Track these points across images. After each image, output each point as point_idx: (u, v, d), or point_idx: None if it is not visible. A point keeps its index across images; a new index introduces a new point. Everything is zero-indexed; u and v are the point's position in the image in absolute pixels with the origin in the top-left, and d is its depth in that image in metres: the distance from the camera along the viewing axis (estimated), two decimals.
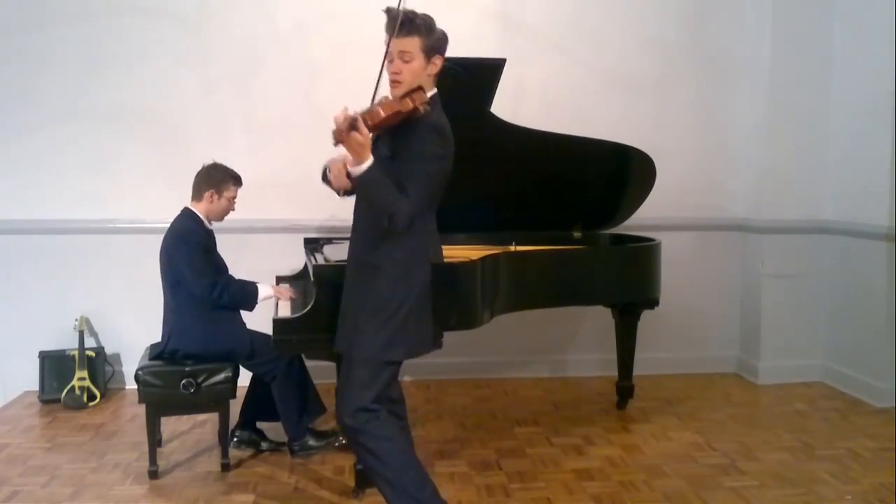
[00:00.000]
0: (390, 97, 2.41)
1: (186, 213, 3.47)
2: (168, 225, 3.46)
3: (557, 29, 4.63)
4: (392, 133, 2.46)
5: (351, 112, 2.28)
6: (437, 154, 2.44)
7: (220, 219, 3.54)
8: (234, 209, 3.55)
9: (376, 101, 2.39)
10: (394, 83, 2.42)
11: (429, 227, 2.61)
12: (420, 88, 2.44)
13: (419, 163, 2.41)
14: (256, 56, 4.48)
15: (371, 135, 2.31)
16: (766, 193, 4.68)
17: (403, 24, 2.37)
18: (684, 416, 4.11)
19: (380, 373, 2.54)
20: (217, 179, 3.45)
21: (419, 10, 2.50)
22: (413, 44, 2.38)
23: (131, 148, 4.45)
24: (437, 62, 2.46)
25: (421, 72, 2.43)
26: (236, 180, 3.51)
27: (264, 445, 3.60)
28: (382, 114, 2.33)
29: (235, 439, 3.55)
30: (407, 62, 2.40)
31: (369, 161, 2.31)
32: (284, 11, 4.47)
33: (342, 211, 4.49)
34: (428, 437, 3.79)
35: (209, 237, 3.49)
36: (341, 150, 2.39)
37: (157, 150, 4.46)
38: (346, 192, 2.60)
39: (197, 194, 3.47)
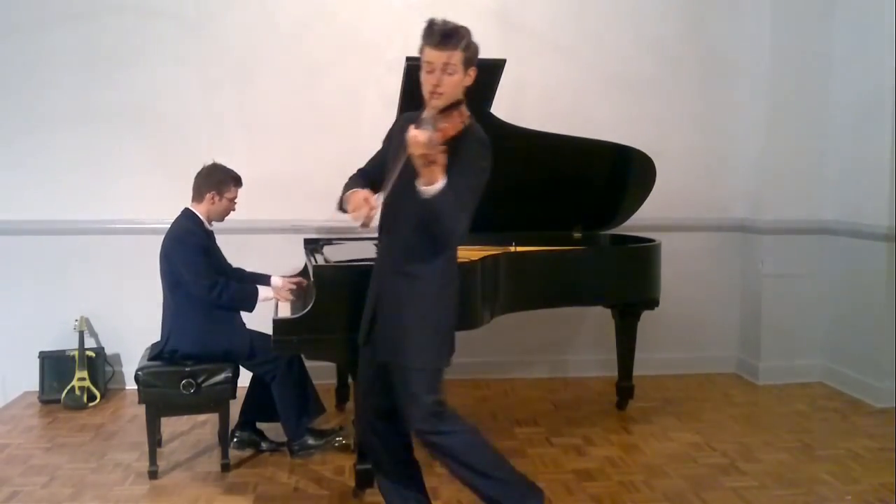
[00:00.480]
0: (431, 111, 2.36)
1: (186, 214, 3.47)
2: (168, 225, 3.46)
3: (557, 29, 4.63)
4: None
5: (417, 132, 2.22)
6: (485, 167, 2.46)
7: (221, 219, 3.54)
8: (234, 210, 3.56)
9: (424, 117, 2.32)
10: (434, 95, 2.38)
11: None
12: (461, 102, 2.44)
13: (470, 177, 2.41)
14: (256, 56, 4.48)
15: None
16: (766, 193, 4.68)
17: (449, 36, 2.35)
18: (684, 416, 4.11)
19: (436, 377, 2.57)
20: (218, 180, 3.46)
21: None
22: (456, 56, 2.36)
23: (131, 148, 4.45)
24: (472, 74, 2.45)
25: (460, 84, 2.42)
26: (237, 181, 3.51)
27: (264, 445, 3.60)
28: (452, 132, 2.32)
29: (235, 439, 3.55)
30: (449, 75, 2.37)
31: (443, 180, 2.29)
32: (284, 11, 4.47)
33: (335, 210, 4.52)
34: None
35: (209, 238, 3.49)
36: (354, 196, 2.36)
37: (157, 151, 4.46)
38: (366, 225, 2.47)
39: (198, 195, 3.47)
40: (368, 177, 2.65)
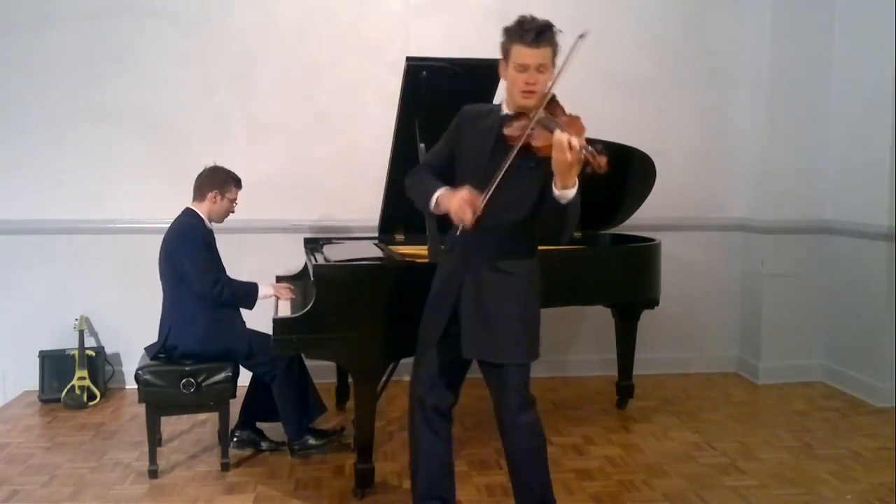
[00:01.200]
0: (532, 111, 2.36)
1: (188, 213, 3.48)
2: (168, 225, 3.47)
3: (557, 29, 4.62)
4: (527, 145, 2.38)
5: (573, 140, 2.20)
6: None
7: (221, 220, 3.55)
8: (234, 211, 3.57)
9: (563, 118, 2.35)
10: (528, 94, 2.38)
11: None
12: (555, 97, 2.43)
13: None
14: (256, 56, 4.48)
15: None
16: (766, 193, 4.69)
17: (543, 33, 2.37)
18: (684, 415, 4.11)
19: (528, 370, 2.60)
20: (220, 181, 3.47)
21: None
22: (549, 55, 2.38)
23: (131, 148, 4.45)
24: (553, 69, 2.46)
25: (548, 81, 2.43)
26: (238, 183, 3.54)
27: (264, 445, 3.60)
28: (585, 131, 2.30)
29: (235, 439, 3.55)
30: (542, 73, 2.38)
31: (576, 184, 2.28)
32: (284, 11, 4.47)
33: (342, 211, 4.53)
34: None
35: (210, 235, 3.50)
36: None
37: (158, 151, 4.46)
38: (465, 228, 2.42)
39: (199, 195, 3.48)
40: (437, 172, 2.59)
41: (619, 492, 3.19)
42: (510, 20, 2.52)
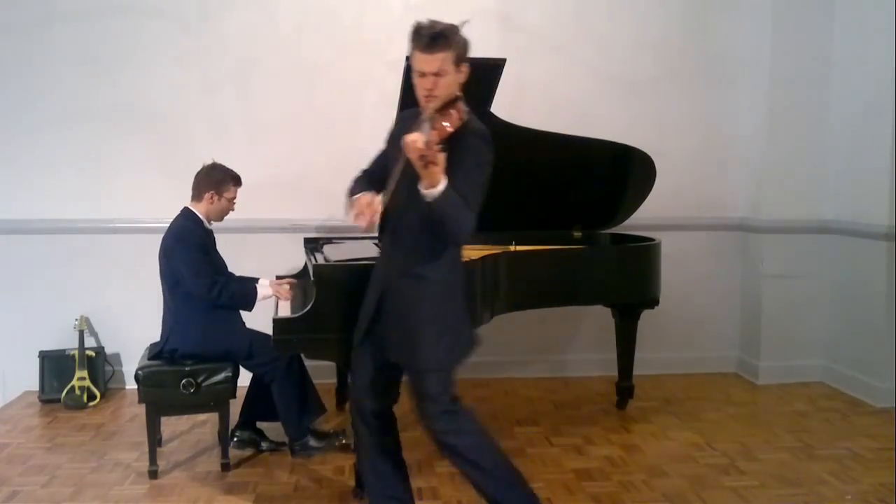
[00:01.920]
0: (429, 112, 2.35)
1: (186, 214, 3.47)
2: (167, 225, 3.46)
3: (558, 29, 4.63)
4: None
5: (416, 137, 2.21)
6: (488, 160, 2.43)
7: (220, 219, 3.54)
8: (233, 210, 3.56)
9: (424, 118, 2.33)
10: (429, 98, 2.37)
11: None
12: (459, 99, 2.41)
13: (474, 174, 2.38)
14: (256, 56, 4.48)
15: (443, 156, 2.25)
16: (766, 193, 4.68)
17: (437, 38, 2.33)
18: (684, 416, 4.11)
19: (448, 377, 2.57)
20: (217, 180, 3.46)
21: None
22: (446, 58, 2.33)
23: (131, 148, 4.45)
24: (464, 69, 2.43)
25: (454, 83, 2.40)
26: (236, 181, 3.51)
27: (264, 445, 3.60)
28: (450, 129, 2.28)
29: (235, 439, 3.55)
30: (441, 77, 2.35)
31: (444, 181, 2.27)
32: (284, 11, 4.47)
33: (342, 211, 4.51)
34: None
35: (208, 237, 3.49)
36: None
37: (157, 150, 4.46)
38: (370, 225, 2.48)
39: (197, 195, 3.47)
40: (373, 177, 2.63)
41: (619, 492, 3.19)
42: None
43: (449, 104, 2.39)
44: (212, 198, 3.45)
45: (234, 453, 3.50)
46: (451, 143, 2.32)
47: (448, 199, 2.29)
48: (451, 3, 4.37)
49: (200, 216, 3.46)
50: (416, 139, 2.19)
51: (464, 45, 2.40)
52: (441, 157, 2.22)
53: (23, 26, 4.34)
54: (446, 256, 2.52)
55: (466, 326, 2.65)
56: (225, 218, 3.58)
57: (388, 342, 2.58)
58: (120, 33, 4.39)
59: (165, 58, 4.43)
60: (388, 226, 2.60)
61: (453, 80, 2.39)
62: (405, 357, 2.56)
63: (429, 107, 2.36)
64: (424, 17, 2.46)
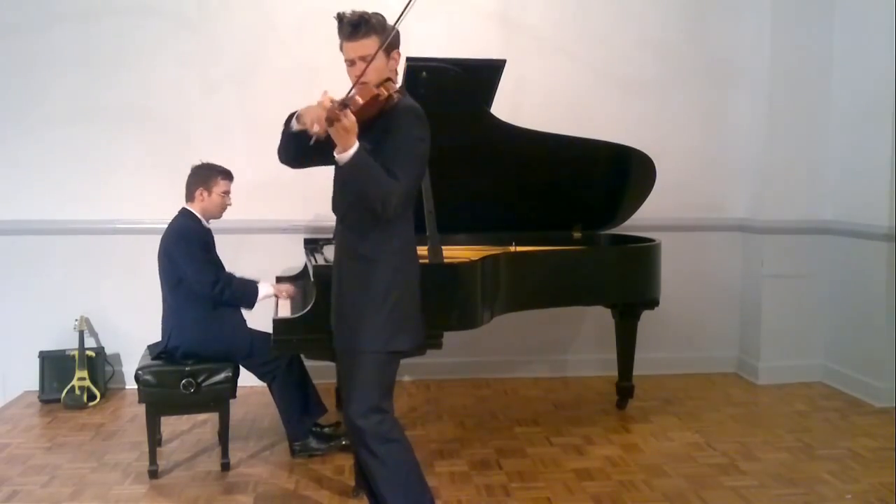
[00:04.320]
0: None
1: (184, 213, 3.48)
2: (167, 225, 3.47)
3: (558, 29, 4.63)
4: (369, 126, 2.42)
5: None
6: (419, 136, 2.43)
7: (218, 215, 3.53)
8: (230, 203, 3.54)
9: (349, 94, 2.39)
10: (361, 85, 2.40)
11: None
12: (389, 79, 2.46)
13: (404, 145, 2.40)
14: (256, 56, 4.48)
15: (355, 119, 2.28)
16: (766, 193, 4.68)
17: (358, 27, 2.39)
18: (684, 416, 4.11)
19: (387, 367, 2.50)
20: (204, 176, 3.46)
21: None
22: (371, 44, 2.39)
23: (131, 148, 4.45)
24: (396, 57, 2.49)
25: (384, 68, 2.44)
26: (224, 174, 3.50)
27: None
28: (361, 101, 2.33)
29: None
30: (367, 63, 2.38)
31: (356, 145, 2.30)
32: (284, 11, 4.47)
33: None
34: (428, 437, 3.79)
35: (208, 235, 3.49)
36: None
37: (158, 150, 4.46)
38: (318, 141, 2.40)
39: (189, 195, 3.48)
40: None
41: (619, 492, 3.19)
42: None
43: (380, 84, 2.42)
44: (202, 194, 3.45)
45: (234, 453, 3.49)
46: (380, 121, 2.39)
47: (359, 164, 2.31)
48: (451, 3, 4.40)
49: (198, 215, 3.47)
50: (324, 99, 2.26)
51: (391, 33, 2.44)
52: (348, 119, 2.24)
53: (23, 26, 4.34)
54: (395, 237, 2.49)
55: (419, 319, 2.56)
56: (225, 218, 3.58)
57: (337, 329, 2.56)
58: (120, 33, 4.39)
59: (165, 58, 4.43)
60: (338, 212, 2.60)
61: (382, 66, 2.43)
62: (343, 338, 2.50)
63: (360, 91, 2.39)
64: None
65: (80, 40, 4.37)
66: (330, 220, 4.45)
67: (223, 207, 3.53)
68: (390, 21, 2.44)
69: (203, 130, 4.45)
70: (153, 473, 3.31)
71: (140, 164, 4.45)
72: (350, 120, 2.25)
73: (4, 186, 4.42)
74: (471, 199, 3.77)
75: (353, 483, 3.17)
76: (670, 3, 4.70)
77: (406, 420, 4.02)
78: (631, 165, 4.02)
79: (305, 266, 3.87)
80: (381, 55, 2.40)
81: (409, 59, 3.22)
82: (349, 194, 2.47)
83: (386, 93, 2.38)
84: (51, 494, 3.17)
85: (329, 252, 3.73)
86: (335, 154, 2.32)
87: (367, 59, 2.36)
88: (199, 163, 3.52)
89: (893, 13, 4.12)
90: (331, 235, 4.21)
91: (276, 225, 4.50)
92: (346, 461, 3.40)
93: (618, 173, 4.10)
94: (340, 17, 2.43)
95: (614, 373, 4.23)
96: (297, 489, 3.22)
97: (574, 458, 3.53)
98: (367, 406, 2.45)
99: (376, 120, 2.42)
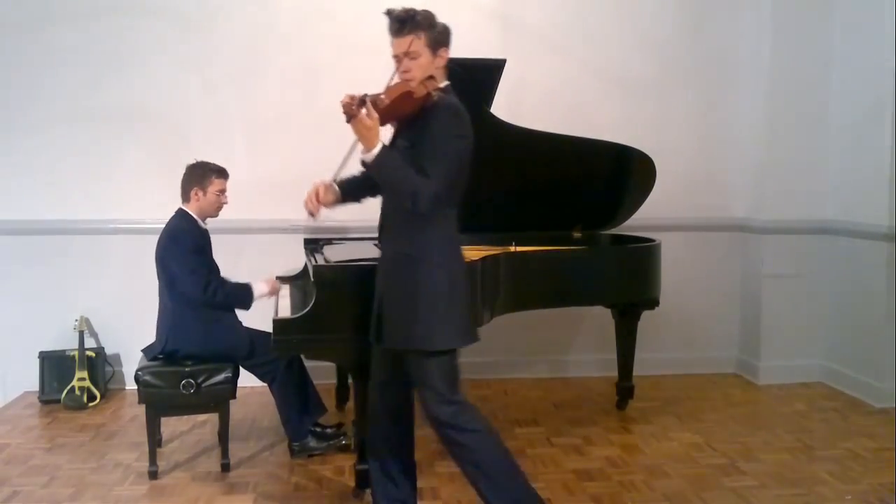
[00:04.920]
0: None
1: (180, 214, 3.46)
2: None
3: (558, 29, 4.63)
4: (409, 124, 2.48)
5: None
6: (455, 133, 2.44)
7: (215, 214, 3.52)
8: (226, 202, 3.52)
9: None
10: (405, 82, 2.44)
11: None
12: (431, 77, 2.46)
13: (438, 143, 2.40)
14: (256, 56, 4.48)
15: (378, 117, 2.32)
16: (766, 193, 4.68)
17: (405, 23, 2.41)
18: (684, 416, 4.11)
19: (450, 361, 2.54)
20: (198, 176, 3.45)
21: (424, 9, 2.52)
22: (417, 41, 2.41)
23: (131, 148, 4.45)
24: (444, 54, 2.49)
25: (429, 66, 2.45)
26: (219, 173, 3.49)
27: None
28: (387, 99, 2.35)
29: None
30: (414, 59, 2.42)
31: (379, 145, 2.34)
32: (285, 12, 4.47)
33: (342, 211, 4.51)
34: (428, 437, 3.77)
35: (203, 237, 3.48)
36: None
37: (157, 150, 4.45)
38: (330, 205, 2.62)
39: (184, 195, 3.47)
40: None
41: (619, 492, 3.19)
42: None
43: (421, 81, 2.43)
44: (196, 194, 3.44)
45: (235, 453, 3.49)
46: (419, 120, 2.42)
47: (384, 164, 2.35)
48: (451, 3, 4.39)
49: (194, 216, 3.46)
50: (344, 98, 2.30)
51: (440, 30, 2.46)
52: (369, 118, 2.28)
53: (23, 26, 4.34)
54: (439, 236, 2.51)
55: (465, 319, 2.57)
56: (225, 217, 3.57)
57: (385, 329, 2.56)
58: (120, 33, 4.39)
59: (165, 58, 4.43)
60: (382, 213, 2.63)
61: (426, 63, 2.44)
62: (400, 339, 2.53)
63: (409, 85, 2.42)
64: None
65: (80, 40, 4.37)
66: (330, 219, 4.51)
67: (219, 206, 3.51)
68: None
69: (203, 130, 4.45)
70: (153, 474, 3.31)
71: (140, 164, 4.44)
72: (371, 118, 2.29)
73: (4, 186, 4.42)
74: (471, 199, 3.74)
75: (353, 483, 3.17)
76: (670, 2, 4.70)
77: None
78: (631, 165, 4.02)
79: (305, 266, 3.86)
80: (426, 52, 2.43)
81: None
82: (389, 196, 2.53)
83: (424, 90, 2.39)
84: (51, 495, 3.17)
85: (329, 252, 3.73)
86: (360, 154, 2.34)
87: (412, 56, 2.40)
88: (193, 161, 3.51)
89: (893, 13, 4.12)
90: (331, 235, 4.25)
91: (276, 225, 4.49)
92: (347, 461, 3.40)
93: (618, 173, 4.10)
94: (388, 14, 2.45)
95: (614, 373, 4.24)
96: (297, 489, 3.22)
97: (574, 459, 3.53)
98: (438, 400, 2.51)
99: (417, 118, 2.43)
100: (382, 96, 2.36)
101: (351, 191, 2.74)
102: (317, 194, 2.59)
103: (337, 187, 2.69)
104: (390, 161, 2.37)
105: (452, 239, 2.57)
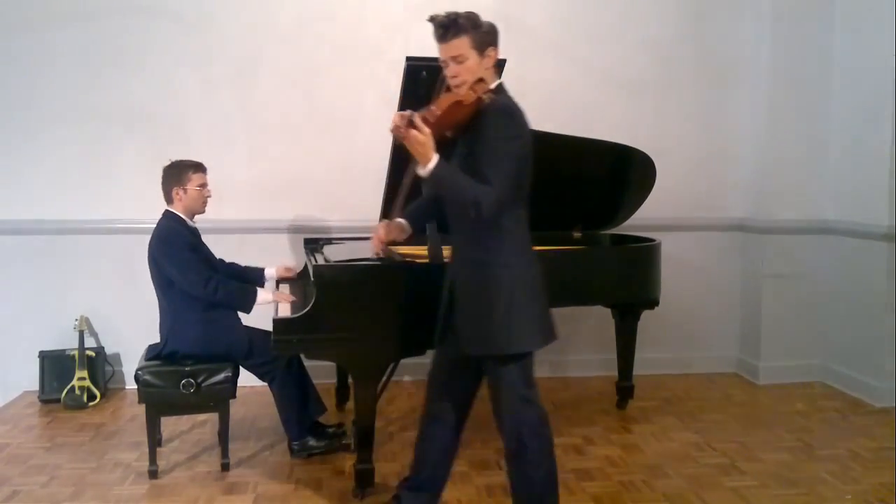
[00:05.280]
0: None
1: (167, 216, 3.46)
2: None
3: (558, 29, 4.63)
4: (465, 131, 2.47)
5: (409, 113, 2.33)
6: (508, 134, 2.42)
7: (201, 210, 3.50)
8: (209, 195, 3.50)
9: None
10: (455, 87, 2.43)
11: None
12: (481, 80, 2.45)
13: (492, 147, 2.39)
14: (256, 56, 4.48)
15: (430, 132, 2.31)
16: (766, 193, 4.69)
17: (448, 28, 2.40)
18: (684, 416, 4.11)
19: (528, 363, 2.54)
20: (175, 175, 3.44)
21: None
22: (462, 44, 2.40)
23: (131, 148, 4.45)
24: (492, 54, 2.47)
25: (477, 67, 2.43)
26: (196, 168, 3.47)
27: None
28: (437, 111, 2.33)
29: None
30: (461, 63, 2.40)
31: (435, 158, 2.32)
32: (285, 12, 4.47)
33: (342, 211, 4.53)
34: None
35: (193, 234, 3.48)
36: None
37: (157, 151, 4.40)
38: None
39: (167, 197, 3.46)
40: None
41: (619, 492, 3.19)
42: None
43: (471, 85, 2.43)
44: (178, 193, 3.43)
45: (234, 453, 3.49)
46: (475, 125, 2.41)
47: (440, 177, 2.35)
48: (451, 3, 4.39)
49: (181, 215, 3.45)
50: (394, 116, 2.30)
51: (485, 30, 2.45)
52: (415, 135, 2.28)
53: (23, 26, 4.34)
54: (506, 242, 2.50)
55: (539, 315, 2.56)
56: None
57: (460, 334, 2.56)
58: (120, 33, 4.39)
59: (165, 58, 4.43)
60: (450, 221, 2.61)
61: (474, 66, 2.42)
62: (476, 345, 2.52)
63: (457, 93, 2.42)
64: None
65: (80, 40, 4.37)
66: (329, 220, 4.53)
67: (204, 201, 3.49)
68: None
69: (203, 130, 4.45)
70: (153, 473, 3.31)
71: (140, 164, 4.43)
72: (424, 133, 2.28)
73: (4, 186, 4.42)
74: None
75: (353, 483, 3.17)
76: (671, 3, 4.71)
77: (406, 420, 4.02)
78: (631, 165, 4.02)
79: (305, 266, 3.87)
80: (473, 54, 2.41)
81: (408, 59, 3.22)
82: (447, 205, 2.53)
83: (473, 96, 2.38)
84: (51, 494, 3.17)
85: (329, 252, 3.74)
86: (417, 171, 2.35)
87: (458, 60, 2.39)
88: (168, 163, 3.49)
89: (893, 13, 4.12)
90: (331, 235, 4.26)
91: (276, 225, 4.50)
92: (347, 461, 3.41)
93: (618, 173, 4.10)
94: (431, 20, 2.43)
95: (614, 373, 4.24)
96: (297, 489, 3.22)
97: (574, 458, 3.53)
98: (518, 400, 2.51)
99: (472, 124, 2.42)
100: (433, 108, 2.34)
101: (418, 218, 2.79)
102: (379, 235, 2.68)
103: (405, 221, 2.72)
104: (447, 173, 2.36)
105: (522, 239, 2.55)
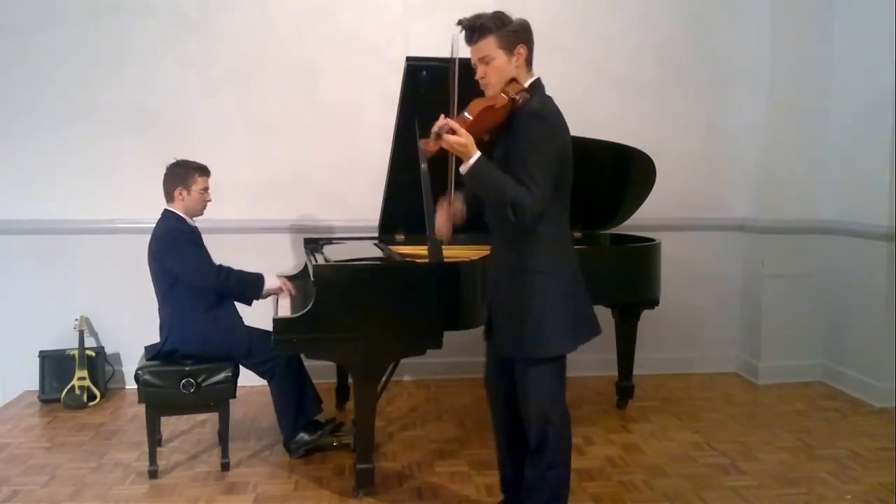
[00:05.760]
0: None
1: (167, 215, 3.46)
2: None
3: (558, 29, 4.62)
4: (501, 133, 2.45)
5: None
6: (542, 136, 2.39)
7: (200, 212, 3.52)
8: (209, 199, 3.52)
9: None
10: (483, 87, 2.43)
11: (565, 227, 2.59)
12: (514, 80, 2.43)
13: (526, 152, 2.37)
14: (256, 56, 4.48)
15: (467, 135, 2.29)
16: (766, 193, 4.68)
17: (474, 30, 2.40)
18: (684, 416, 4.11)
19: (561, 366, 2.57)
20: (181, 175, 3.44)
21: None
22: (488, 45, 2.39)
23: (131, 148, 4.45)
24: (522, 51, 2.45)
25: (507, 67, 2.43)
26: (202, 171, 3.48)
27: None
28: (470, 117, 2.32)
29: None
30: (488, 63, 2.40)
31: (476, 155, 2.31)
32: (284, 11, 4.47)
33: (342, 211, 4.53)
34: (428, 437, 3.79)
35: (194, 233, 3.48)
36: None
37: (157, 151, 4.42)
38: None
39: (168, 196, 3.46)
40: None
41: (619, 492, 3.19)
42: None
43: (503, 86, 2.42)
44: (181, 194, 3.44)
45: (234, 453, 3.49)
46: (509, 127, 2.40)
47: (481, 171, 2.32)
48: (451, 3, 4.39)
49: (182, 215, 3.46)
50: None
51: (513, 28, 2.44)
52: (459, 139, 2.26)
53: (23, 26, 4.34)
54: (544, 246, 2.47)
55: (573, 316, 2.55)
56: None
57: (495, 335, 2.58)
58: (120, 33, 4.39)
59: (165, 58, 4.43)
60: (490, 224, 2.61)
61: (503, 66, 2.42)
62: (509, 349, 2.53)
63: (486, 93, 2.43)
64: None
65: (80, 40, 4.37)
66: (330, 219, 4.53)
67: (204, 204, 3.51)
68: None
69: (203, 130, 4.46)
70: (153, 473, 3.31)
71: (140, 164, 4.44)
72: (462, 135, 2.27)
73: (4, 186, 4.42)
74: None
75: (353, 483, 3.17)
76: (671, 3, 4.70)
77: (406, 420, 4.02)
78: (631, 165, 4.02)
79: (305, 266, 3.87)
80: (500, 53, 2.40)
81: (408, 59, 3.22)
82: (491, 207, 2.51)
83: (504, 99, 2.36)
84: (51, 494, 3.17)
85: (329, 252, 3.74)
86: (459, 169, 2.35)
87: (486, 61, 2.39)
88: (172, 162, 3.50)
89: (893, 14, 4.12)
90: (331, 235, 4.26)
91: (276, 225, 4.50)
92: (347, 461, 3.40)
93: (618, 173, 4.10)
94: (459, 23, 2.42)
95: (614, 373, 4.24)
96: (297, 489, 3.22)
97: (574, 458, 3.46)
98: (545, 399, 2.52)
99: (508, 124, 2.41)
100: (466, 114, 2.33)
101: (477, 199, 2.70)
102: (442, 220, 2.64)
103: (462, 202, 2.66)
104: (486, 171, 2.33)
105: (558, 243, 2.52)
